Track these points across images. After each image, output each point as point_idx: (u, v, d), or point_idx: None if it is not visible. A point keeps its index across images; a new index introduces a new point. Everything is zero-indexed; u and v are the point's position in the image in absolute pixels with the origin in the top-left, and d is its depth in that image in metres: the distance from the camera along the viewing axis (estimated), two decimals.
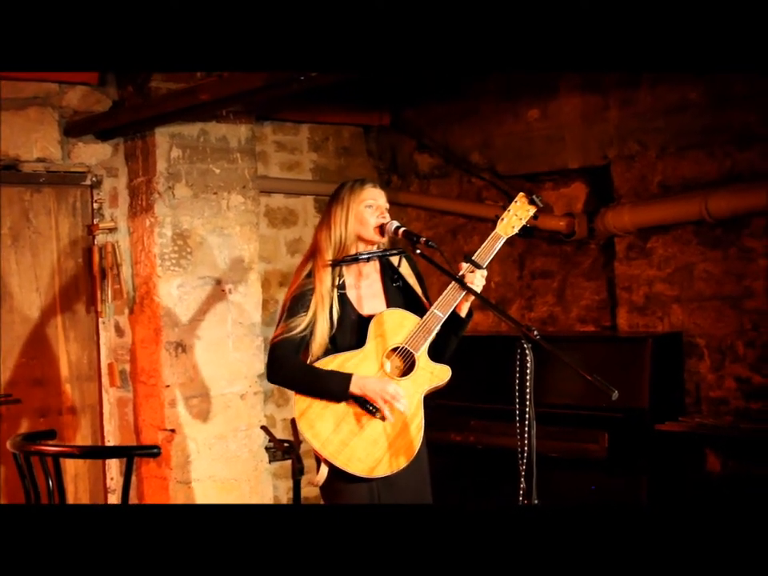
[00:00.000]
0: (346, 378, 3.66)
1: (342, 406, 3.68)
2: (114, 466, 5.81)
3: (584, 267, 6.33)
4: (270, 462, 5.99)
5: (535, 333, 3.34)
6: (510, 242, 6.46)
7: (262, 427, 3.61)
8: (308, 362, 3.76)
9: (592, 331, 6.23)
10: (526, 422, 3.27)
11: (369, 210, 3.81)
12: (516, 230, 3.78)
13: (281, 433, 6.70)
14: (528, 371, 3.29)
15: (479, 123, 6.73)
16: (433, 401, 3.86)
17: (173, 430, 5.63)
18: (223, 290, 5.85)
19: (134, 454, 4.05)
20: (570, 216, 6.23)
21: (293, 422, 3.64)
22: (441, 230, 6.96)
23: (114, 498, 5.78)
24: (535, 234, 6.44)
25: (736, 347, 5.54)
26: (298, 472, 3.24)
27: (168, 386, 5.65)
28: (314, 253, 3.88)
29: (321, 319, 3.76)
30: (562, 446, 5.31)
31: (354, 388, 3.65)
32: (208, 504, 5.59)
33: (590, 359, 5.21)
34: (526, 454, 3.29)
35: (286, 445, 3.51)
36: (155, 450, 4.06)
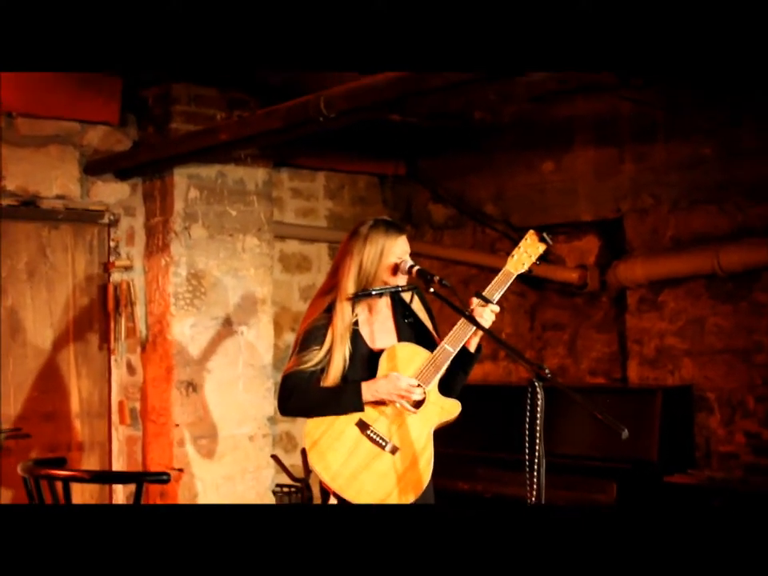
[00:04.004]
0: (357, 387, 3.68)
1: (352, 439, 3.68)
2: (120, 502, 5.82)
3: (595, 319, 6.34)
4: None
5: (546, 371, 3.35)
6: (521, 293, 6.61)
7: (273, 456, 3.62)
8: None
9: (602, 383, 6.23)
10: (536, 461, 3.27)
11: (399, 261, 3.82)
12: (526, 267, 3.78)
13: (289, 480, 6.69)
14: (539, 410, 3.29)
15: (494, 175, 6.79)
16: (441, 449, 3.84)
17: (181, 470, 5.63)
18: (235, 331, 5.88)
19: (143, 480, 4.05)
20: (583, 268, 6.26)
21: (303, 451, 3.64)
22: (453, 279, 6.97)
23: None
24: (547, 285, 6.48)
25: (746, 402, 5.54)
26: (306, 500, 3.24)
27: (177, 425, 5.66)
28: (333, 287, 3.87)
29: (337, 355, 3.75)
30: (570, 495, 5.28)
31: (366, 395, 3.66)
32: (208, 504, 5.60)
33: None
34: (535, 492, 3.29)
35: (296, 478, 3.52)
36: (165, 477, 4.05)
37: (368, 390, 3.68)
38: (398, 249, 3.82)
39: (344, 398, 3.70)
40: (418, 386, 3.69)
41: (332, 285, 3.87)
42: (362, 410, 3.69)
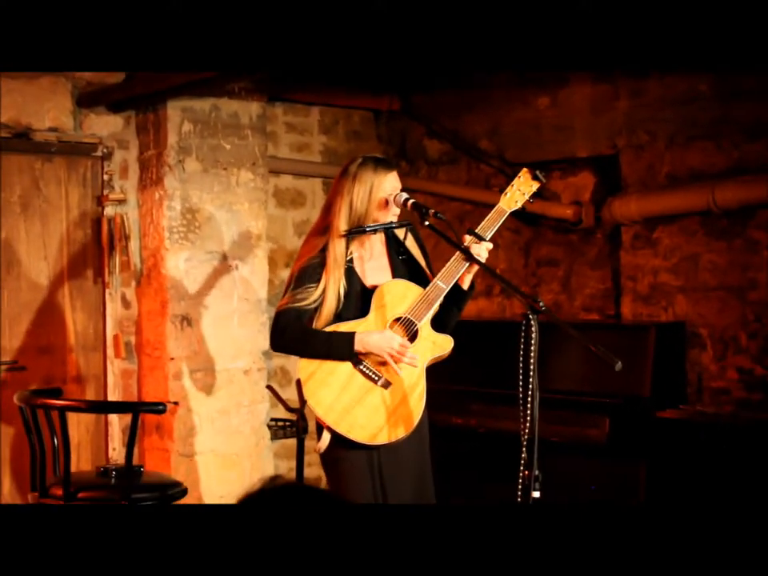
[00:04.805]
0: (349, 337, 3.69)
1: (346, 373, 3.70)
2: (116, 437, 5.85)
3: (590, 256, 6.34)
4: (271, 439, 6.02)
5: (541, 304, 3.36)
6: (516, 229, 6.60)
7: (268, 386, 3.64)
8: None
9: (596, 319, 6.25)
10: (529, 394, 3.30)
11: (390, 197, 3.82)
12: (519, 205, 3.79)
13: (283, 415, 6.71)
14: (533, 343, 3.31)
15: (489, 110, 6.74)
16: (434, 385, 3.87)
17: (176, 403, 5.66)
18: (230, 266, 5.88)
19: (139, 410, 4.09)
20: (578, 204, 6.24)
21: (298, 382, 3.66)
22: (448, 215, 6.82)
23: None
24: (542, 222, 6.47)
25: (739, 338, 5.55)
26: (302, 430, 3.26)
27: (173, 359, 5.68)
28: (326, 227, 3.85)
29: (330, 294, 3.76)
30: (563, 430, 5.31)
31: (358, 346, 3.67)
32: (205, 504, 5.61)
33: None
34: (528, 426, 3.31)
35: (291, 408, 3.53)
36: (161, 407, 4.08)
37: (360, 342, 3.68)
38: (388, 185, 3.80)
39: (335, 347, 3.71)
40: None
41: (325, 224, 3.85)
42: (352, 359, 3.71)
